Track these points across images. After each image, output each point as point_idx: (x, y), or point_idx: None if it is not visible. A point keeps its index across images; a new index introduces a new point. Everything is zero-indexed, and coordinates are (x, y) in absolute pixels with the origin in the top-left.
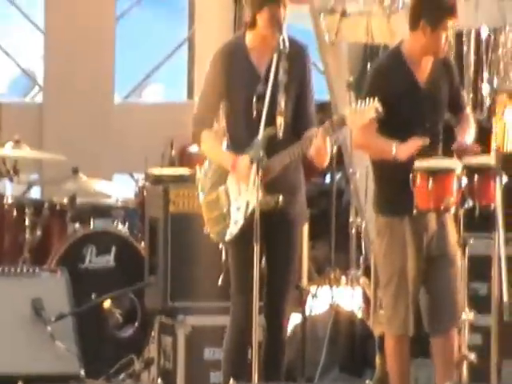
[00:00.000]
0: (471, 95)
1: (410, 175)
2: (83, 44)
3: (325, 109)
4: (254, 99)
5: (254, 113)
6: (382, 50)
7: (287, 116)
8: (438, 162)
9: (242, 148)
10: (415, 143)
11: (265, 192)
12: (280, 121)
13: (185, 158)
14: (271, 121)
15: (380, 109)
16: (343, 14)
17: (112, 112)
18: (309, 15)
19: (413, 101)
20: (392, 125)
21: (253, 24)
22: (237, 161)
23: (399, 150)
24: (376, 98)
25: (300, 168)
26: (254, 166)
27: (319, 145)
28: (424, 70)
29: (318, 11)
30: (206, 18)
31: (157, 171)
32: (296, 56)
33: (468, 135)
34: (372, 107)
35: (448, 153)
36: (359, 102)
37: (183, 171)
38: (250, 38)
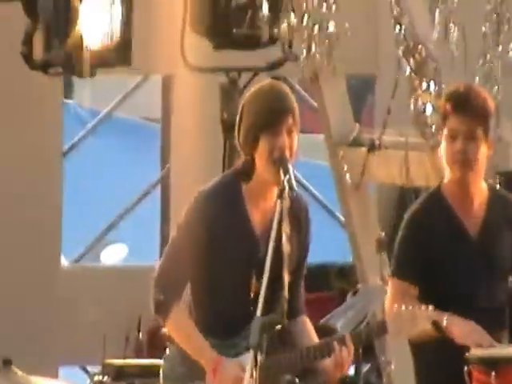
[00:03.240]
0: None
1: (465, 368)
2: (22, 185)
3: (346, 275)
4: (254, 275)
5: (251, 293)
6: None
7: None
8: (501, 349)
9: (228, 331)
10: (476, 333)
11: None
12: (285, 306)
13: (157, 343)
14: (271, 305)
15: (439, 321)
16: (372, 147)
17: (57, 279)
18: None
19: (460, 260)
20: (430, 297)
21: (250, 169)
22: (221, 364)
23: (452, 324)
24: (406, 288)
25: None
26: (248, 374)
27: (344, 359)
28: (476, 216)
29: (336, 144)
30: (184, 153)
31: (118, 362)
32: (299, 217)
33: None
34: (426, 315)
35: None
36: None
37: (154, 362)
38: (245, 188)
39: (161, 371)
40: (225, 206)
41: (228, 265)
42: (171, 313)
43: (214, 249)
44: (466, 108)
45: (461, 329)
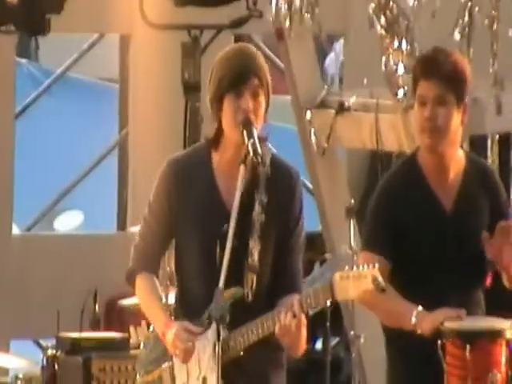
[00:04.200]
0: None
1: (438, 342)
2: None
3: (314, 244)
4: (218, 244)
5: (217, 263)
6: (395, 159)
7: (263, 272)
8: (477, 322)
9: (197, 308)
10: (445, 314)
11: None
12: (251, 279)
13: (114, 316)
14: (238, 277)
15: (380, 279)
16: (340, 109)
17: (8, 248)
18: (289, 110)
19: (436, 233)
20: (406, 270)
21: (218, 135)
22: (169, 327)
23: (423, 321)
24: (377, 262)
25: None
26: (209, 345)
27: (287, 325)
28: (451, 187)
29: (303, 106)
30: (143, 116)
31: (73, 335)
32: (280, 184)
33: None
34: (369, 274)
35: (491, 309)
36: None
37: (111, 335)
38: (215, 158)
39: (137, 356)
40: (191, 175)
41: (194, 237)
42: (136, 280)
43: (182, 216)
44: (434, 72)
45: (429, 317)
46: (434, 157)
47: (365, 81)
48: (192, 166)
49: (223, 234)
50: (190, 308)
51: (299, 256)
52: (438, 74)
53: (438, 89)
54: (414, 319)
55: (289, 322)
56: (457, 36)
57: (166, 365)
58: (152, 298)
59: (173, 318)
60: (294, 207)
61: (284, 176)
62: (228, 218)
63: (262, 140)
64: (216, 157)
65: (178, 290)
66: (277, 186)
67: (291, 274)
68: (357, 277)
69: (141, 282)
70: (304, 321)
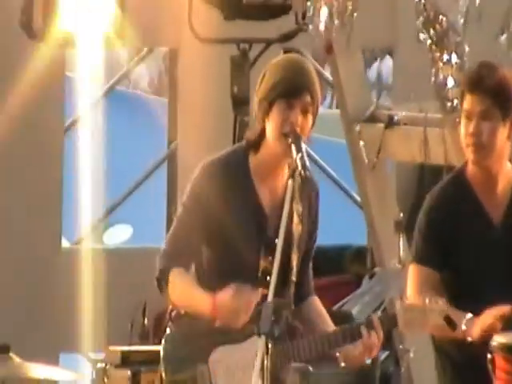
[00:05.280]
0: None
1: (488, 356)
2: (21, 164)
3: (362, 258)
4: (262, 253)
5: (257, 270)
6: (445, 173)
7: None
8: None
9: None
10: (491, 315)
11: None
12: (292, 291)
13: (163, 329)
14: (282, 287)
15: (451, 315)
16: (389, 123)
17: (58, 262)
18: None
19: (485, 246)
20: (456, 282)
21: (260, 139)
22: (219, 299)
23: (471, 327)
24: (426, 275)
25: None
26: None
27: (373, 344)
28: (500, 201)
29: (352, 120)
30: (192, 130)
31: (123, 349)
32: (310, 197)
33: None
34: (438, 310)
35: None
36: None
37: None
38: (253, 162)
39: (161, 352)
40: (231, 177)
41: (235, 239)
42: (169, 277)
43: (221, 222)
44: (479, 87)
45: (479, 321)
46: (482, 171)
47: (412, 95)
48: (230, 168)
49: (267, 241)
50: None
51: (311, 265)
52: (483, 88)
53: (483, 104)
54: (463, 327)
55: (371, 339)
56: (503, 41)
57: (201, 368)
58: (192, 284)
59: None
60: (317, 217)
61: (312, 191)
62: (266, 224)
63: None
64: (254, 160)
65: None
66: (307, 197)
67: (310, 280)
68: (423, 311)
69: (175, 277)
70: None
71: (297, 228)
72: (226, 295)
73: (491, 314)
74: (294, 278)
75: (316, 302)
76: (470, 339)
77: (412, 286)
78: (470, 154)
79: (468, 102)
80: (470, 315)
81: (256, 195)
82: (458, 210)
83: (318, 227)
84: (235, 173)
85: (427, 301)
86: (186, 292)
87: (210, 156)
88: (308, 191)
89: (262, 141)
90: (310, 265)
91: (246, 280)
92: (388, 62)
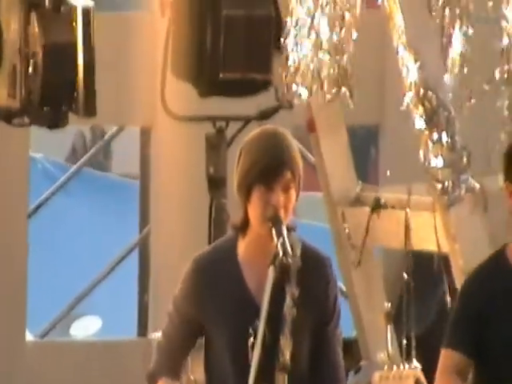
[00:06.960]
0: None
1: None
2: None
3: (349, 350)
4: (250, 342)
5: (248, 361)
6: (436, 260)
7: (301, 368)
8: None
9: None
10: None
11: None
12: (282, 378)
13: None
14: (270, 377)
15: (422, 380)
16: (376, 206)
17: (22, 356)
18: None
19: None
20: (487, 364)
21: (244, 224)
22: None
23: None
24: (458, 361)
25: None
26: None
27: None
28: None
29: (336, 203)
30: (165, 214)
31: None
32: (313, 274)
33: None
34: (410, 375)
35: None
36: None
37: None
38: (241, 246)
39: None
40: (218, 271)
41: (223, 336)
42: None
43: (210, 319)
44: None
45: None
46: None
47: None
48: (218, 261)
49: (255, 333)
50: None
51: (338, 348)
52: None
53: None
54: None
55: None
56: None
57: None
58: None
59: None
60: (330, 296)
61: (316, 265)
62: (258, 314)
63: (291, 230)
64: (242, 244)
65: None
66: (309, 275)
67: (328, 365)
68: (397, 377)
69: None
70: None
71: (290, 311)
72: None
73: None
74: (285, 365)
75: None
76: None
77: (439, 370)
78: None
79: None
80: None
81: (245, 286)
82: (493, 287)
83: (336, 309)
84: (222, 266)
85: (401, 367)
86: None
87: (184, 246)
88: (305, 273)
89: (247, 225)
90: (335, 351)
91: (237, 372)
92: None
